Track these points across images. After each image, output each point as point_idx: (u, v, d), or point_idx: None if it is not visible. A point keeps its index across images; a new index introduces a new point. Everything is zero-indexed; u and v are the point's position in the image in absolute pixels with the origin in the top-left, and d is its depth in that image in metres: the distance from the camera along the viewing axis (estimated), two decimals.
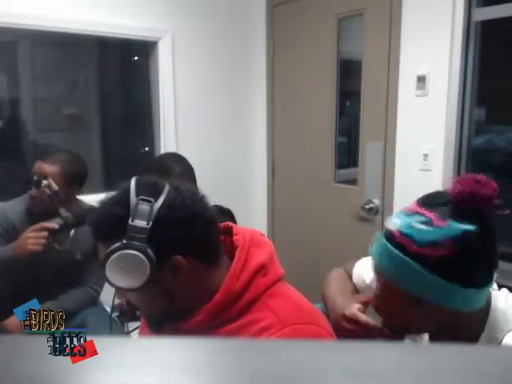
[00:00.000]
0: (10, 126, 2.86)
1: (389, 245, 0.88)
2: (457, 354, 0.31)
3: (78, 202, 1.93)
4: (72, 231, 1.75)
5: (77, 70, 2.96)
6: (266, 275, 0.91)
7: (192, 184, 1.81)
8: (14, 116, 2.87)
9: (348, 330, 1.03)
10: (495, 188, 0.84)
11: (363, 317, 1.04)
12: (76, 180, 1.86)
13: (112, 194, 0.88)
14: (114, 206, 0.83)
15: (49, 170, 1.78)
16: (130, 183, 0.84)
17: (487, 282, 0.88)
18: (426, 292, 0.87)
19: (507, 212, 0.85)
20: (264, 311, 0.87)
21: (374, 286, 0.98)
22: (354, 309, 1.06)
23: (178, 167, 1.81)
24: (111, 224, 0.82)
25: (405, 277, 0.87)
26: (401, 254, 0.85)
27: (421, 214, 0.85)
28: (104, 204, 0.86)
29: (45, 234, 1.67)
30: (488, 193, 0.83)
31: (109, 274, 0.81)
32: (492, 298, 0.94)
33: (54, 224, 1.69)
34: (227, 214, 1.91)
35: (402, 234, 0.85)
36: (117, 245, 0.80)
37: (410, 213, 0.87)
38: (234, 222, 1.86)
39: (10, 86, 2.87)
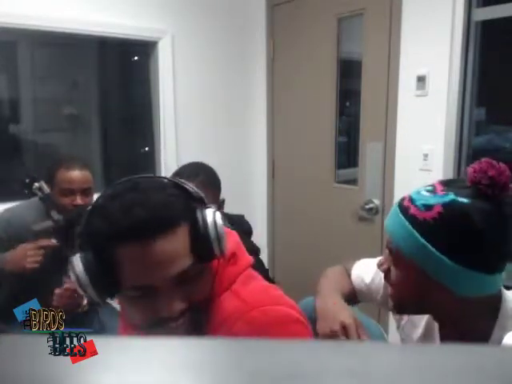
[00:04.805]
0: (10, 126, 2.86)
1: (397, 208, 0.93)
2: (457, 354, 0.31)
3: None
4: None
5: (77, 69, 2.96)
6: (236, 263, 0.91)
7: (215, 193, 1.79)
8: (13, 116, 2.87)
9: (333, 333, 0.98)
10: (510, 176, 0.86)
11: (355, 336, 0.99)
12: None
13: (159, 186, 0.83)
14: (175, 192, 0.82)
15: None
16: (152, 180, 0.87)
17: (487, 268, 0.85)
18: (418, 257, 0.88)
19: None
20: (230, 298, 0.87)
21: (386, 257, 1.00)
22: (351, 324, 1.00)
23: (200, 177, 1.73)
24: (185, 205, 0.81)
25: (403, 240, 0.89)
26: (402, 216, 0.90)
27: (432, 186, 0.90)
28: (157, 194, 0.80)
29: (42, 252, 1.69)
30: (506, 180, 0.85)
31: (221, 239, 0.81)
32: (502, 301, 0.92)
33: (51, 241, 1.69)
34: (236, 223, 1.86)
35: (408, 197, 0.92)
36: (213, 207, 0.83)
37: (428, 185, 0.92)
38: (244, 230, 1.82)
39: (10, 85, 2.87)
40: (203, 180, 1.70)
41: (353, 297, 1.21)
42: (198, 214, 0.81)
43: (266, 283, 0.95)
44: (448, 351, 0.31)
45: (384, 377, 0.28)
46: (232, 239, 0.94)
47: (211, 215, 0.82)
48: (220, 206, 1.81)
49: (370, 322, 1.39)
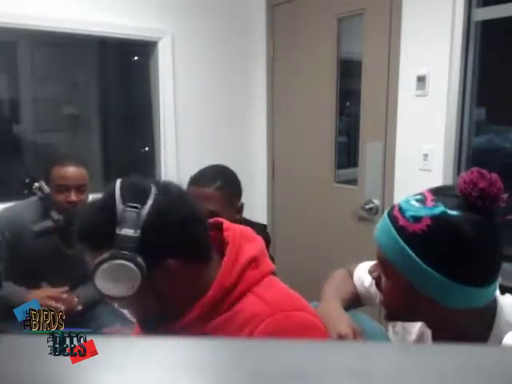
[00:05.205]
0: (10, 126, 2.87)
1: (387, 218, 0.90)
2: (457, 354, 0.31)
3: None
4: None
5: (77, 69, 2.96)
6: (258, 268, 0.92)
7: (235, 197, 1.74)
8: (13, 116, 2.87)
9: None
10: (502, 187, 0.83)
11: None
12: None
13: (98, 198, 0.87)
14: (100, 213, 0.83)
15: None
16: (114, 187, 0.83)
17: (476, 282, 0.83)
18: (405, 268, 0.86)
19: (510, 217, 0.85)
20: (254, 300, 0.88)
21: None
22: (348, 334, 0.99)
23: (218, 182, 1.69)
24: (98, 232, 0.82)
25: (391, 250, 0.88)
26: (391, 226, 0.88)
27: (421, 194, 0.88)
28: (90, 210, 0.86)
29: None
30: (497, 192, 0.82)
31: (98, 283, 0.80)
32: (498, 310, 0.91)
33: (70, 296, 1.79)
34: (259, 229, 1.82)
35: (397, 207, 0.89)
36: (105, 255, 0.79)
37: (417, 194, 0.90)
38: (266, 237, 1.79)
39: (10, 86, 2.87)
40: (221, 185, 1.68)
41: (356, 300, 1.20)
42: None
43: (288, 288, 0.96)
44: (448, 351, 0.31)
45: (384, 377, 0.28)
46: (256, 245, 0.96)
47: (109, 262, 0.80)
48: (239, 210, 1.79)
49: (372, 323, 1.38)
